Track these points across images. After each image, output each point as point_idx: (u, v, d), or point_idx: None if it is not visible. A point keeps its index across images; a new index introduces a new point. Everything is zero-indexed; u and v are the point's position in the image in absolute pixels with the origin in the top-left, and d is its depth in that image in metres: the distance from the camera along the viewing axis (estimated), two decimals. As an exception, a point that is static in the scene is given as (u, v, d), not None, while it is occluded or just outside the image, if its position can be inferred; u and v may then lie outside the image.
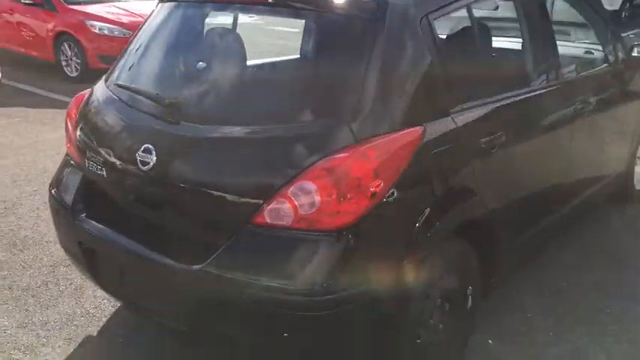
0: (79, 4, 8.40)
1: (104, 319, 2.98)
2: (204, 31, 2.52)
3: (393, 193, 2.01)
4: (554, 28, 3.14)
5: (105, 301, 3.10)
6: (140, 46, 2.64)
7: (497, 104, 2.56)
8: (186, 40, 2.61)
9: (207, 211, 2.15)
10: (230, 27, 2.56)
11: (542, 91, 2.93)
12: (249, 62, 2.55)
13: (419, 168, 2.14)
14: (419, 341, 2.30)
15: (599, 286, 3.26)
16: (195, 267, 2.04)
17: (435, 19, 2.31)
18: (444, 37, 2.52)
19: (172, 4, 2.64)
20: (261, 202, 1.98)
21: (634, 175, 4.20)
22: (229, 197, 2.07)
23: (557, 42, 3.11)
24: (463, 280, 2.50)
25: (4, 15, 9.10)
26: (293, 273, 1.95)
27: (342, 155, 1.94)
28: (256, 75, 2.62)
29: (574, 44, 4.03)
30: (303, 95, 2.17)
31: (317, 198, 1.92)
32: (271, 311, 1.99)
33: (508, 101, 2.63)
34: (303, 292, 1.94)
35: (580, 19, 3.67)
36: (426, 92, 2.23)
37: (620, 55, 3.70)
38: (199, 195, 2.14)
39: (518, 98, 2.72)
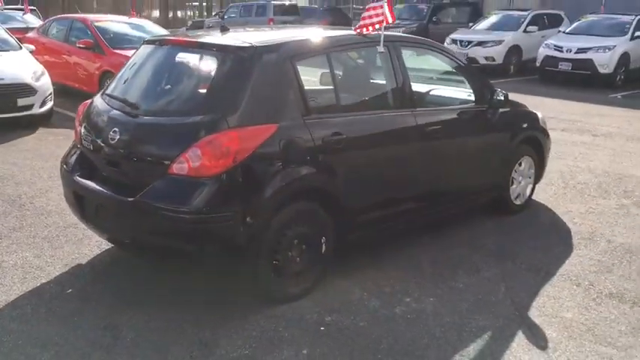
0: (123, 49, 10.16)
1: (92, 257, 4.41)
2: (159, 61, 4.02)
3: (249, 160, 3.39)
4: (428, 74, 4.51)
5: (95, 248, 4.52)
6: (124, 71, 4.17)
7: (345, 118, 3.93)
8: (147, 66, 4.10)
9: (142, 167, 3.60)
10: (178, 59, 4.04)
11: (387, 113, 4.27)
12: (174, 82, 3.99)
13: (273, 148, 3.50)
14: (276, 262, 3.61)
15: (448, 262, 4.48)
16: (131, 199, 3.46)
17: (298, 61, 3.73)
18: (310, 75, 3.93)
19: (146, 46, 4.17)
20: (171, 161, 3.39)
21: (509, 192, 5.40)
22: (155, 158, 3.52)
23: (427, 82, 4.47)
24: (316, 230, 3.80)
25: (64, 56, 11.01)
26: (188, 201, 3.34)
27: (218, 134, 3.35)
28: (176, 88, 3.97)
29: (441, 85, 5.37)
30: (201, 100, 3.61)
31: (202, 158, 3.32)
32: (176, 224, 3.37)
33: (355, 117, 4.00)
34: (194, 212, 3.32)
35: (451, 69, 5.02)
36: (284, 105, 3.62)
37: (487, 97, 4.99)
38: (138, 156, 3.59)
39: (363, 116, 4.09)
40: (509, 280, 4.22)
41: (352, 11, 25.72)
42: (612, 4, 16.40)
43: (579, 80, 14.12)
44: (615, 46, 13.90)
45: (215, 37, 4.03)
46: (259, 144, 3.44)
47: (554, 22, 16.74)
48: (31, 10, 17.37)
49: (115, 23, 11.15)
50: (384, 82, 4.43)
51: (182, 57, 3.92)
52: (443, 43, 16.27)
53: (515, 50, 15.91)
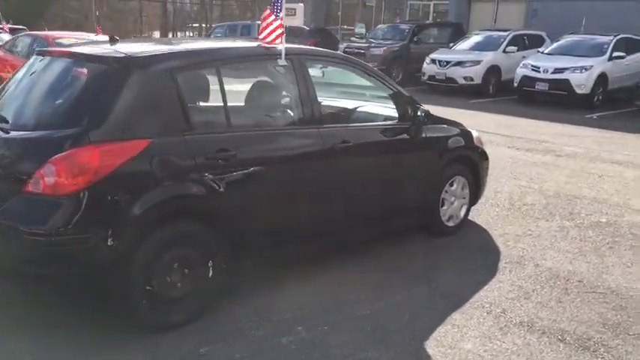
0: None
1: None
2: (38, 73, 3.81)
3: (113, 177, 3.16)
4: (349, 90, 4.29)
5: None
6: (6, 84, 3.97)
7: (235, 134, 3.71)
8: (27, 79, 3.88)
9: (5, 185, 3.35)
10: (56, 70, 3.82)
11: (287, 130, 4.06)
12: (46, 94, 3.72)
13: (143, 165, 3.27)
14: (149, 288, 3.36)
15: (359, 286, 4.24)
16: (-13, 218, 3.23)
17: (180, 73, 3.52)
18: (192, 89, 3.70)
19: (34, 57, 3.97)
20: (28, 177, 3.16)
21: (440, 213, 5.16)
22: (15, 175, 3.29)
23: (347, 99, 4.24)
24: (201, 253, 3.56)
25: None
26: (41, 221, 3.10)
27: (76, 149, 3.13)
28: (47, 101, 3.68)
29: (363, 102, 5.15)
30: (66, 113, 3.39)
31: (57, 175, 3.09)
32: (30, 246, 3.13)
33: (247, 134, 3.78)
34: (48, 233, 3.08)
35: (371, 85, 4.81)
36: (159, 119, 3.40)
37: (410, 114, 4.77)
38: (3, 174, 3.36)
39: (258, 132, 3.86)
40: (418, 306, 3.97)
41: (340, 32, 25.67)
42: (595, 24, 16.26)
43: (558, 101, 13.92)
44: (592, 66, 13.72)
45: (97, 48, 3.84)
46: (125, 160, 3.21)
47: (535, 42, 16.58)
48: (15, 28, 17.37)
49: (77, 40, 11.02)
50: (285, 97, 4.23)
51: (60, 68, 3.71)
52: (422, 63, 16.20)
53: (494, 70, 15.74)
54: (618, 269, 4.68)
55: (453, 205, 5.30)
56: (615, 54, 14.17)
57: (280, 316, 3.76)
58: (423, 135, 4.87)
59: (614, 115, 13.04)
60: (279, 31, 4.09)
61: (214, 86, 3.80)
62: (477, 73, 15.48)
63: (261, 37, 4.14)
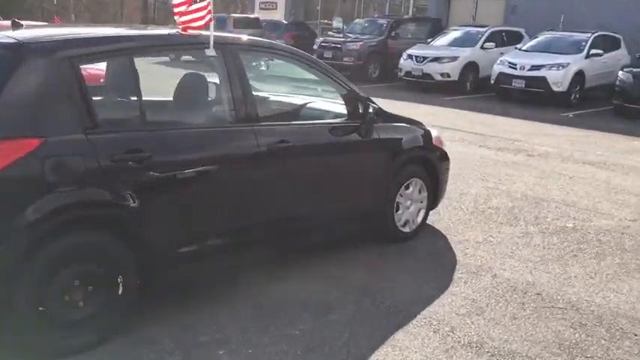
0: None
1: None
2: None
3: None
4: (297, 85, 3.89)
5: None
6: None
7: (151, 133, 3.30)
8: None
9: None
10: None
11: (214, 128, 3.66)
12: None
13: (32, 168, 2.85)
14: (42, 309, 2.94)
15: (298, 301, 3.85)
16: None
17: (83, 62, 3.10)
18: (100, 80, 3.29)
19: None
20: None
21: (394, 218, 4.78)
22: None
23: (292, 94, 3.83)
24: (108, 268, 3.14)
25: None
26: None
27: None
28: None
29: (309, 98, 4.76)
30: None
31: None
32: None
33: (165, 132, 3.37)
34: None
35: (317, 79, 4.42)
36: (55, 115, 2.97)
37: (361, 112, 4.38)
38: None
39: (178, 131, 3.45)
40: (359, 324, 3.60)
41: (320, 26, 25.21)
42: (573, 22, 16.00)
43: (536, 99, 13.63)
44: (569, 63, 13.46)
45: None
46: (11, 162, 2.79)
47: (513, 39, 16.29)
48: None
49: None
50: (214, 92, 3.82)
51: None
52: (400, 59, 15.83)
53: (471, 67, 15.43)
54: (581, 280, 4.34)
55: (409, 209, 4.93)
56: (593, 51, 13.92)
57: (201, 339, 3.36)
58: (375, 135, 4.48)
59: (590, 114, 12.78)
60: (207, 17, 3.65)
61: (128, 78, 3.38)
62: (453, 69, 15.16)
63: (180, 20, 3.66)
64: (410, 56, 15.74)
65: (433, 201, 5.19)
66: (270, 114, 4.18)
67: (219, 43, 3.64)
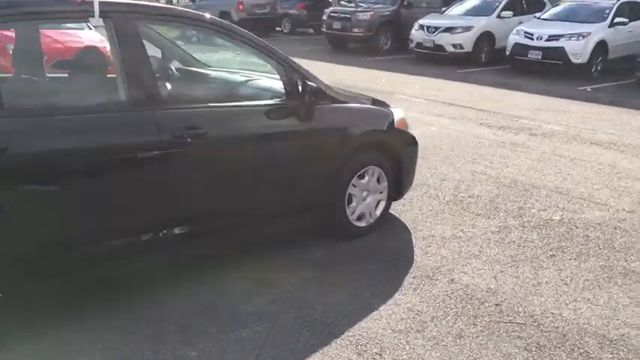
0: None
1: None
2: None
3: None
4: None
5: None
6: None
7: (14, 120, 2.79)
8: None
9: None
10: None
11: (100, 114, 3.11)
12: None
13: None
14: None
15: (208, 313, 3.34)
16: None
17: None
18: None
19: None
20: None
21: (345, 211, 4.22)
22: None
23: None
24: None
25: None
26: None
27: None
28: None
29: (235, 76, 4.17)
30: None
31: None
32: None
33: (30, 120, 2.84)
34: None
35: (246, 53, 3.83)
36: None
37: (300, 91, 3.77)
38: None
39: (49, 118, 2.92)
40: (272, 344, 3.08)
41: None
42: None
43: (554, 71, 12.75)
44: (590, 33, 12.51)
45: None
46: None
47: (534, 6, 15.28)
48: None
49: None
50: (100, 70, 3.27)
51: None
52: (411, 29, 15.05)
53: (486, 37, 14.54)
54: (552, 287, 3.74)
55: (365, 201, 4.36)
56: (617, 20, 12.92)
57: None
58: (318, 117, 3.89)
59: (611, 88, 11.86)
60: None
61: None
62: (466, 40, 14.31)
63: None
64: (421, 26, 14.91)
65: (397, 191, 4.61)
66: (176, 95, 3.62)
67: (107, 11, 3.07)
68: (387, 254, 4.16)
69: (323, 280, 3.76)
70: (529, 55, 12.95)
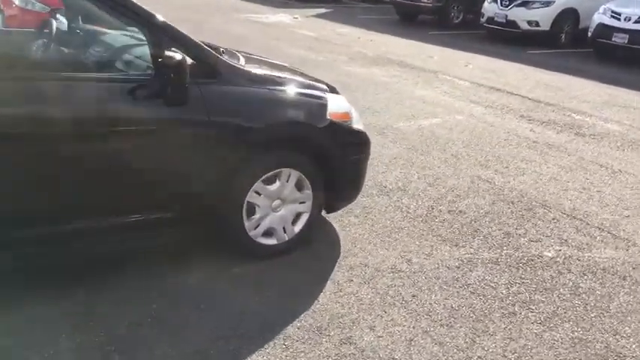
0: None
1: None
2: None
3: None
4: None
5: None
6: None
7: None
8: None
9: None
10: None
11: None
12: None
13: None
14: None
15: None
16: None
17: None
18: None
19: None
20: None
21: (244, 225, 3.23)
22: None
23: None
24: None
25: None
26: None
27: None
28: None
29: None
30: None
31: None
32: None
33: None
34: None
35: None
36: None
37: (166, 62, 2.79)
38: None
39: None
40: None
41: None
42: None
43: (641, 58, 10.90)
44: (691, 15, 10.53)
45: None
46: None
47: (632, -19, 13.22)
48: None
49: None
50: None
51: None
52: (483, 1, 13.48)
53: (569, 14, 12.69)
54: (481, 371, 2.61)
55: (275, 213, 3.35)
56: None
57: None
58: (198, 101, 2.91)
59: None
60: None
61: None
62: (544, 16, 12.55)
63: None
64: (495, -1, 13.28)
65: (328, 201, 3.56)
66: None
67: None
68: (281, 291, 3.13)
69: (167, 326, 2.81)
70: (613, 39, 11.12)
